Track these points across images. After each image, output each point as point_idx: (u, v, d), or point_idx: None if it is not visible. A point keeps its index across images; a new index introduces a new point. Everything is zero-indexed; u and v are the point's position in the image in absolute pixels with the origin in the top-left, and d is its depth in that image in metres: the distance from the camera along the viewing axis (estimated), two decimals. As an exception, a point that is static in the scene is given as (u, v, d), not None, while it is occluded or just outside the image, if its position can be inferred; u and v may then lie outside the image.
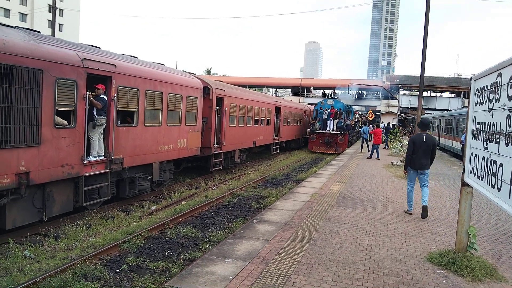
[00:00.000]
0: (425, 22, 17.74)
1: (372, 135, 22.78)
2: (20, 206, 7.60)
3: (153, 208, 11.08)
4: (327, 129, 29.06)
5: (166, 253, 7.47)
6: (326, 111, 29.62)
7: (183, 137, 13.31)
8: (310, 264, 5.50)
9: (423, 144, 8.58)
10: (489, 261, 5.84)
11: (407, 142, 9.50)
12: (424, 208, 8.51)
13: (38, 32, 8.51)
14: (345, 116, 31.17)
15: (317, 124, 29.74)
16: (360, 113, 50.43)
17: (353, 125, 33.42)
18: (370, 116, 44.25)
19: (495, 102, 4.57)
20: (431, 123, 39.29)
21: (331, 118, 29.34)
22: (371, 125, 33.96)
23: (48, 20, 65.12)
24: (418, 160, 8.63)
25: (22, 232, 8.05)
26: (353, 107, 47.99)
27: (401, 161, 18.41)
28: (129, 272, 6.47)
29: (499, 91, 4.45)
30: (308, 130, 30.19)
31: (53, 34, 25.86)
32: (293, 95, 67.45)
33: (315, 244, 6.40)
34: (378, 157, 21.37)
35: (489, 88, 4.91)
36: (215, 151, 16.12)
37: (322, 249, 6.17)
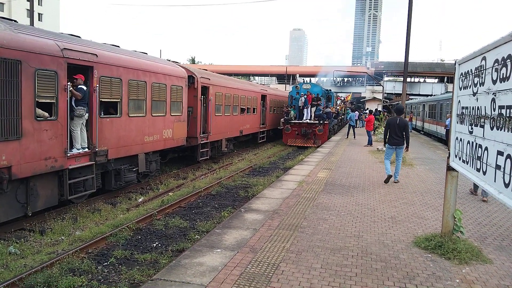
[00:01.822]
0: (408, 9, 17.78)
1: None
2: (3, 201, 7.43)
3: (140, 199, 10.98)
4: (304, 118, 25.09)
5: (154, 244, 7.42)
6: (302, 97, 25.53)
7: (168, 127, 13.16)
8: (298, 252, 5.51)
9: (396, 126, 10.64)
10: (474, 244, 5.93)
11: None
12: (389, 177, 10.72)
13: (15, 21, 8.26)
14: (324, 102, 27.23)
15: (292, 112, 25.44)
16: (342, 98, 46.43)
17: (335, 113, 28.83)
18: (347, 99, 44.16)
19: (480, 86, 4.58)
20: (416, 109, 39.80)
21: (308, 105, 25.39)
22: (356, 111, 34.01)
23: (27, 10, 63.27)
24: (393, 138, 10.73)
25: (6, 228, 7.89)
26: (334, 92, 47.19)
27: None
28: (117, 265, 6.41)
29: (483, 75, 4.46)
30: (282, 120, 25.52)
31: (32, 23, 25.15)
32: (278, 83, 67.29)
33: (303, 232, 6.41)
34: (371, 143, 21.34)
35: (473, 72, 4.92)
36: (202, 140, 16.01)
37: (310, 236, 6.19)
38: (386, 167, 10.98)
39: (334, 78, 63.85)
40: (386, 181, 10.75)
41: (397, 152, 10.95)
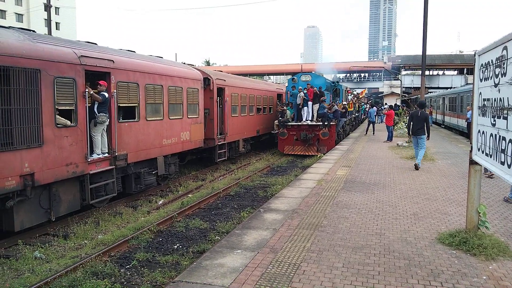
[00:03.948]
0: (424, 1, 17.44)
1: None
2: (27, 207, 7.61)
3: (160, 202, 11.08)
4: (304, 119, 19.95)
5: (175, 246, 7.47)
6: (301, 92, 20.10)
7: (186, 130, 13.25)
8: (319, 251, 5.45)
9: (418, 117, 12.41)
10: (501, 239, 5.76)
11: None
12: (416, 165, 12.25)
13: (33, 31, 8.44)
14: (330, 97, 22.34)
15: (289, 112, 20.34)
16: (355, 92, 40.00)
17: (342, 111, 21.75)
18: (361, 94, 40.63)
19: (502, 77, 4.44)
20: (436, 102, 39.13)
21: (309, 102, 20.02)
22: (374, 107, 33.49)
23: (45, 19, 64.69)
24: (415, 128, 12.43)
25: (31, 233, 8.08)
26: (351, 88, 42.62)
27: (406, 142, 18.26)
28: (139, 267, 6.48)
29: (505, 65, 4.33)
30: (276, 122, 20.71)
31: (50, 32, 25.70)
32: (294, 81, 66.89)
33: (323, 231, 6.35)
34: (391, 139, 20.97)
35: (494, 62, 4.78)
36: (219, 142, 16.07)
37: (331, 235, 6.12)
38: (415, 155, 12.77)
39: (350, 75, 63.19)
40: (416, 168, 12.22)
41: (418, 141, 12.49)
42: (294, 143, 19.44)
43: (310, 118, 19.93)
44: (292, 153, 19.59)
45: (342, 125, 22.02)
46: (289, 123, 19.68)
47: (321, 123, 19.15)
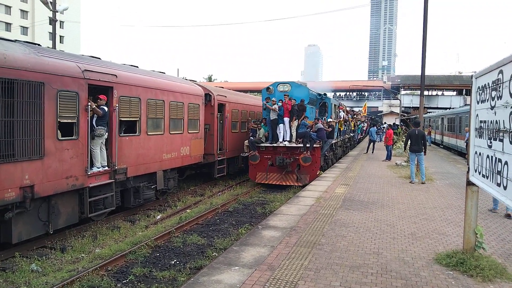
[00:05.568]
0: (423, 22, 17.74)
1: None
2: (26, 219, 7.61)
3: (159, 217, 11.07)
4: (280, 139, 15.84)
5: (173, 262, 7.45)
6: (275, 105, 15.65)
7: (186, 145, 13.32)
8: (317, 269, 5.46)
9: (415, 136, 13.40)
10: (498, 261, 5.77)
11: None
12: (411, 182, 13.48)
13: (38, 45, 8.57)
14: (316, 113, 18.17)
15: (263, 130, 16.32)
16: (349, 108, 33.99)
17: (327, 130, 16.38)
18: (363, 112, 37.98)
19: (498, 100, 4.54)
20: (435, 122, 39.37)
21: (285, 119, 15.77)
22: (374, 127, 33.57)
23: (49, 33, 65.43)
24: (413, 146, 13.37)
25: (29, 246, 8.06)
26: (349, 106, 40.79)
27: (405, 161, 18.31)
28: (136, 282, 6.46)
29: (501, 89, 4.42)
30: (246, 142, 16.43)
31: (54, 46, 25.98)
32: (294, 99, 67.19)
33: (321, 249, 6.35)
34: (390, 158, 21.07)
35: (490, 85, 4.88)
36: (219, 157, 16.11)
37: (329, 254, 6.13)
38: (411, 172, 13.80)
39: (349, 93, 63.65)
40: (412, 182, 13.47)
41: (418, 158, 13.48)
42: (269, 170, 15.34)
43: (288, 139, 15.87)
44: (266, 182, 15.38)
45: (327, 148, 16.90)
46: (262, 145, 15.66)
47: (301, 145, 15.17)
